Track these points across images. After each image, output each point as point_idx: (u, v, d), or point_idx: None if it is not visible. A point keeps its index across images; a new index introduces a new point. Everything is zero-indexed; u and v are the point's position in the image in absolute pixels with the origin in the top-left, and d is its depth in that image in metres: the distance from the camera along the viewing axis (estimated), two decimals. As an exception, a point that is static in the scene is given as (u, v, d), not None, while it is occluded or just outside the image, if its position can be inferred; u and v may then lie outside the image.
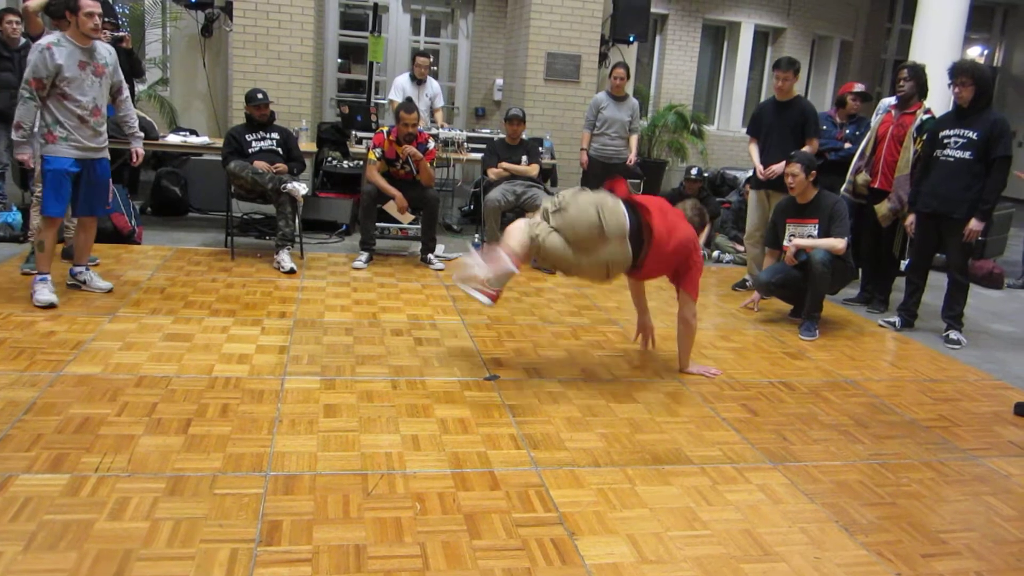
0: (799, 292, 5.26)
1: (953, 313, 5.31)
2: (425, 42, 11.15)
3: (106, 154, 4.72)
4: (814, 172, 5.17)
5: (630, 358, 4.42)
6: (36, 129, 4.38)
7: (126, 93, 4.86)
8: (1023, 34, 15.21)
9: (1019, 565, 2.63)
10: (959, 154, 5.05)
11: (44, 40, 4.35)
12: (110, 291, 4.76)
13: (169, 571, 2.22)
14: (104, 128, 4.65)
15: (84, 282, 4.78)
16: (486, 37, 11.08)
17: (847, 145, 6.30)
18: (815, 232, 5.18)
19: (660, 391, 3.95)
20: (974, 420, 3.94)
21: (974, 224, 5.03)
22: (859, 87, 6.73)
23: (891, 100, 6.23)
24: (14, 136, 4.37)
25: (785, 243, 5.29)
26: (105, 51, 4.58)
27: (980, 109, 5.02)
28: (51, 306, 4.40)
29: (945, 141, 5.13)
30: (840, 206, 5.19)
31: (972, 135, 5.00)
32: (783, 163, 5.76)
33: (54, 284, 4.56)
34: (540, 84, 8.68)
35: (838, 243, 5.07)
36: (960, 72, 5.04)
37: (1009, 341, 5.50)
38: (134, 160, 4.95)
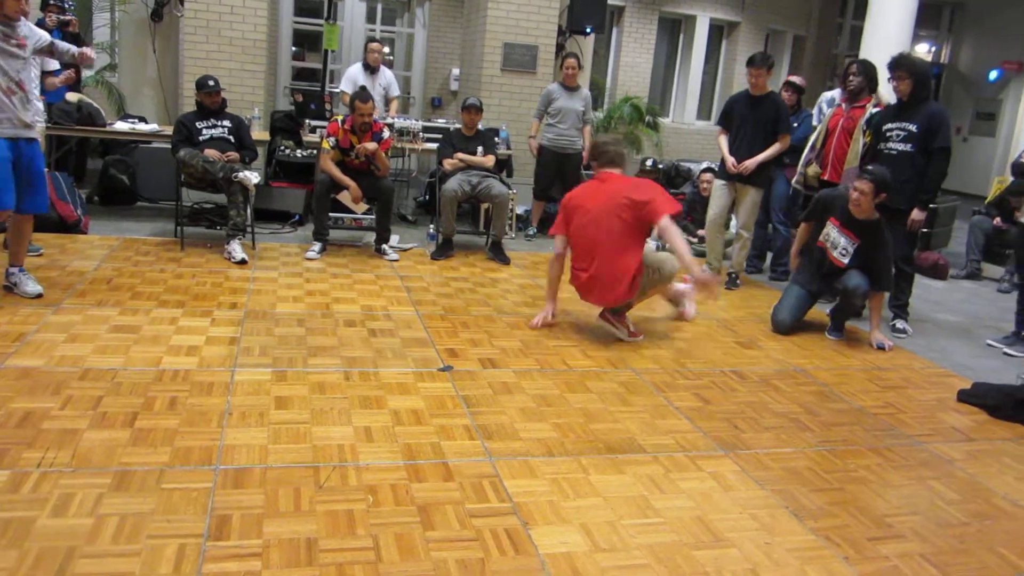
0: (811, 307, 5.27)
1: (899, 303, 5.43)
2: (381, 30, 11.04)
3: (36, 135, 4.42)
4: (883, 195, 4.80)
5: (584, 348, 4.44)
6: None
7: (57, 43, 4.56)
8: (969, 32, 15.58)
9: (962, 547, 2.70)
10: (901, 147, 5.16)
11: None
12: (39, 296, 4.40)
13: (114, 568, 2.17)
14: (32, 108, 4.37)
15: (15, 284, 4.45)
16: (443, 27, 11.01)
17: None
18: (851, 249, 4.90)
19: (613, 381, 3.97)
20: (919, 407, 4.04)
21: (916, 214, 5.15)
22: (792, 79, 6.85)
23: (832, 93, 6.34)
24: None
25: (820, 239, 5.05)
26: (26, 27, 4.36)
27: (919, 102, 5.13)
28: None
29: (888, 134, 5.24)
30: (886, 245, 4.92)
31: (912, 128, 5.12)
32: (755, 159, 5.82)
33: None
34: (497, 74, 8.65)
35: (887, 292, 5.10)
36: (897, 66, 5.17)
37: (952, 330, 5.64)
38: (87, 56, 4.74)
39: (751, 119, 5.94)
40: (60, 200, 5.93)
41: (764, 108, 5.91)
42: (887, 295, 5.43)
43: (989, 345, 5.27)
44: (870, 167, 4.95)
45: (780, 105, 5.96)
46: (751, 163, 5.84)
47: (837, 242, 4.97)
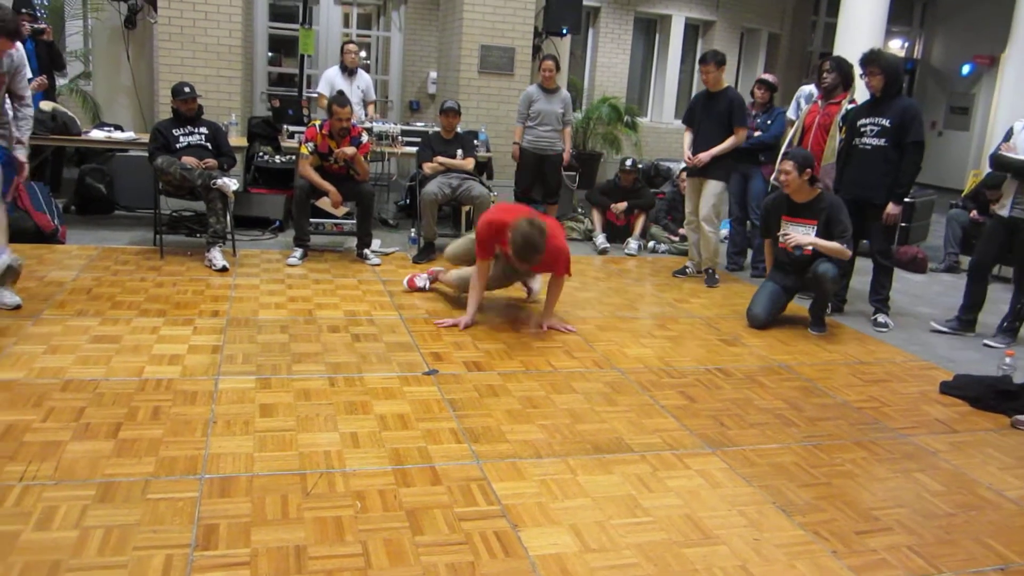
0: (787, 303, 5.34)
1: (880, 297, 5.48)
2: (357, 35, 11.00)
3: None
4: (809, 171, 4.95)
5: (569, 349, 4.44)
6: None
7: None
8: (941, 27, 15.74)
9: (948, 538, 2.73)
10: (875, 141, 5.22)
11: None
12: (17, 308, 4.33)
13: (100, 580, 2.15)
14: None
15: None
16: (419, 30, 10.99)
17: (756, 133, 6.45)
18: (813, 234, 5.00)
19: (599, 381, 3.98)
20: (902, 400, 4.07)
21: (891, 208, 5.20)
22: (765, 77, 6.91)
23: (810, 87, 6.40)
24: None
25: (781, 241, 5.14)
26: (7, 58, 4.30)
27: (891, 97, 5.20)
28: None
29: (862, 130, 5.30)
30: (835, 209, 4.97)
31: (885, 122, 5.18)
32: (709, 152, 5.93)
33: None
34: (474, 77, 8.65)
35: (845, 252, 4.92)
36: (868, 62, 5.24)
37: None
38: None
39: (708, 115, 6.10)
40: (37, 210, 5.87)
41: (719, 103, 6.04)
42: (871, 283, 5.55)
43: (934, 330, 5.39)
44: (787, 150, 5.21)
45: (734, 99, 6.08)
46: (704, 156, 6.00)
47: (798, 233, 5.09)
